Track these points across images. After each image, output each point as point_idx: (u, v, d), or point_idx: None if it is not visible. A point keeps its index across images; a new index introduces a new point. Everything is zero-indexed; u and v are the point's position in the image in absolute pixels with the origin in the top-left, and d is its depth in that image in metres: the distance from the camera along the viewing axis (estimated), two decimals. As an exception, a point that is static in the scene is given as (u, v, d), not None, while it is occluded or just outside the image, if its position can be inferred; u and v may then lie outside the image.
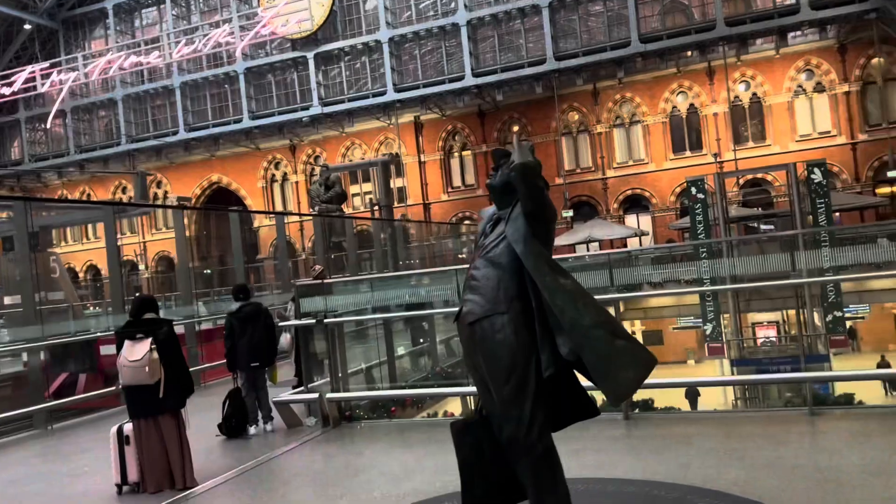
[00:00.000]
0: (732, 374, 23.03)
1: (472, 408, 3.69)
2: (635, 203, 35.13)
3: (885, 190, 31.15)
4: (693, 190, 24.25)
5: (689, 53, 33.22)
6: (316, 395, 7.05)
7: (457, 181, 39.09)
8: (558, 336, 3.06)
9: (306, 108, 36.19)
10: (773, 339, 28.44)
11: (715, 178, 24.45)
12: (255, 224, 39.62)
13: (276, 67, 37.07)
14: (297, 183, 41.12)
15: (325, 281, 8.04)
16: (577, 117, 36.35)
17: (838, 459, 4.26)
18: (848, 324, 24.24)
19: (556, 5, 32.44)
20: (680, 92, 34.78)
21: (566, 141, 36.16)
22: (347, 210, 27.06)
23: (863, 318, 27.63)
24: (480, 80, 33.33)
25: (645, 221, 34.66)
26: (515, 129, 37.63)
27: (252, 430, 7.21)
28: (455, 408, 8.61)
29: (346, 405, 7.25)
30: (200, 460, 5.86)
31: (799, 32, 31.70)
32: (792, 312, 29.01)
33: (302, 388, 7.54)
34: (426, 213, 37.81)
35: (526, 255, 3.15)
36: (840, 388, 6.42)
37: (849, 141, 31.87)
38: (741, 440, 4.98)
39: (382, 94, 34.67)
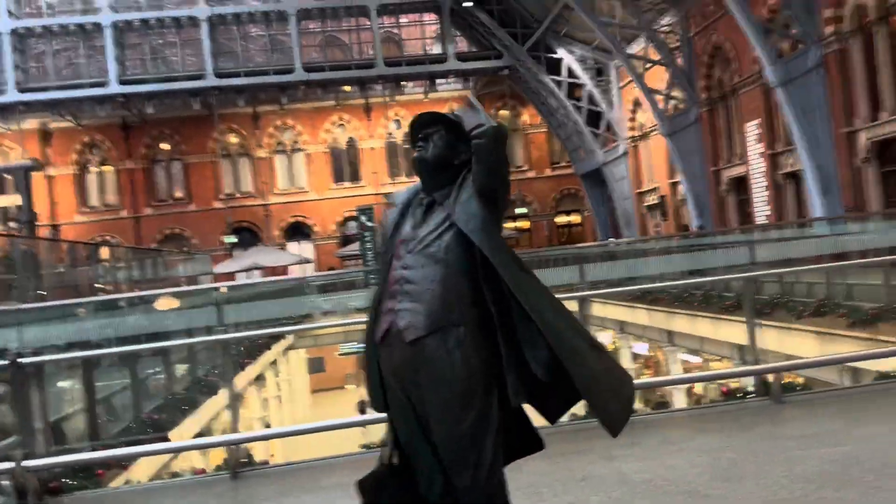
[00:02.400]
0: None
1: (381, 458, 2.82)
2: (297, 230, 34.90)
3: (519, 224, 35.82)
4: (363, 218, 24.92)
5: (348, 88, 34.37)
6: (10, 465, 5.15)
7: (94, 200, 34.53)
8: (529, 351, 2.47)
9: None
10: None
11: (383, 209, 25.42)
12: None
13: None
14: None
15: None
16: (236, 140, 34.94)
17: (678, 471, 4.31)
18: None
19: (215, 20, 30.86)
20: (340, 124, 35.74)
21: (225, 163, 34.48)
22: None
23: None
24: (128, 89, 30.04)
25: (307, 249, 34.60)
26: (166, 146, 34.72)
27: None
28: (197, 462, 7.13)
29: (49, 473, 5.44)
30: None
31: (445, 80, 34.98)
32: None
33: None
34: (55, 236, 32.57)
35: (490, 248, 2.44)
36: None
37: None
38: (563, 458, 4.83)
39: (1, 93, 29.08)
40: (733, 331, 12.39)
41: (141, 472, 7.02)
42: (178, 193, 34.83)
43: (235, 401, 6.82)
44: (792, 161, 21.63)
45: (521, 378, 2.50)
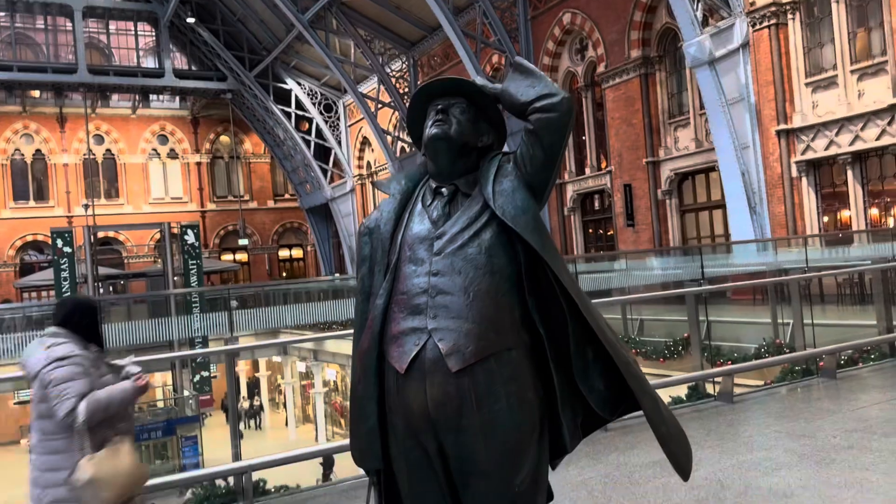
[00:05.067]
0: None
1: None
2: (-39, 256, 29.04)
3: (238, 256, 33.86)
4: (59, 242, 21.60)
5: (39, 94, 29.98)
6: None
7: None
8: (583, 383, 1.96)
9: None
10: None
11: (84, 232, 22.30)
12: None
13: None
14: None
15: None
16: None
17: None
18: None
19: None
20: (25, 134, 30.82)
21: None
22: None
23: (215, 376, 28.90)
24: None
25: (-26, 278, 28.91)
26: None
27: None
28: None
29: None
30: None
31: (158, 97, 32.24)
32: (151, 375, 28.25)
33: None
34: None
35: (549, 254, 1.90)
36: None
37: (199, 209, 33.62)
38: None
39: None
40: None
41: None
42: None
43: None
44: (508, 206, 23.60)
45: (574, 417, 2.02)
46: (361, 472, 2.34)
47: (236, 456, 4.49)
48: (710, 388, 6.82)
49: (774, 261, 12.08)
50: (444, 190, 2.04)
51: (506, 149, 2.20)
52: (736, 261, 13.94)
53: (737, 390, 6.57)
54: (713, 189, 17.15)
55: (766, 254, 12.98)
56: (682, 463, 2.03)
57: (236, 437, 4.59)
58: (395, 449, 1.96)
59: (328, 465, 16.60)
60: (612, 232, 19.91)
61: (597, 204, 20.92)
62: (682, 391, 6.39)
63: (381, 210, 2.10)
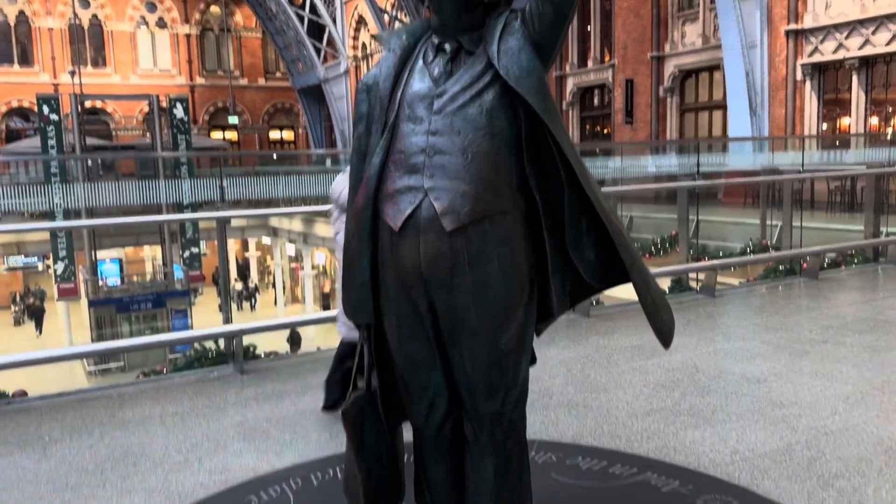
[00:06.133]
0: (90, 316, 21.15)
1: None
2: (-57, 120, 28.43)
3: (228, 135, 33.31)
4: (45, 109, 21.07)
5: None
6: None
7: None
8: (575, 251, 1.96)
9: None
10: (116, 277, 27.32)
11: (71, 100, 21.77)
12: None
13: None
14: None
15: None
16: None
17: (541, 382, 4.20)
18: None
19: None
20: (8, -7, 29.52)
21: None
22: None
23: (205, 254, 29.14)
24: None
25: (-43, 143, 28.41)
26: None
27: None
28: None
29: None
30: None
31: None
32: (130, 249, 28.44)
33: None
34: None
35: (551, 118, 1.84)
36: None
37: (188, 83, 32.77)
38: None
39: None
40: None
41: None
42: None
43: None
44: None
45: (563, 284, 2.05)
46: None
47: (227, 320, 4.59)
48: (693, 285, 6.96)
49: (769, 162, 12.03)
50: (446, 46, 1.95)
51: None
52: (731, 161, 13.89)
53: (719, 287, 6.70)
54: (716, 89, 16.84)
55: (761, 155, 12.92)
56: (664, 332, 2.07)
57: (227, 302, 4.68)
58: (385, 305, 1.99)
59: (295, 341, 17.05)
60: (609, 130, 19.67)
61: (596, 100, 20.54)
62: (665, 284, 6.50)
63: (380, 66, 2.03)
